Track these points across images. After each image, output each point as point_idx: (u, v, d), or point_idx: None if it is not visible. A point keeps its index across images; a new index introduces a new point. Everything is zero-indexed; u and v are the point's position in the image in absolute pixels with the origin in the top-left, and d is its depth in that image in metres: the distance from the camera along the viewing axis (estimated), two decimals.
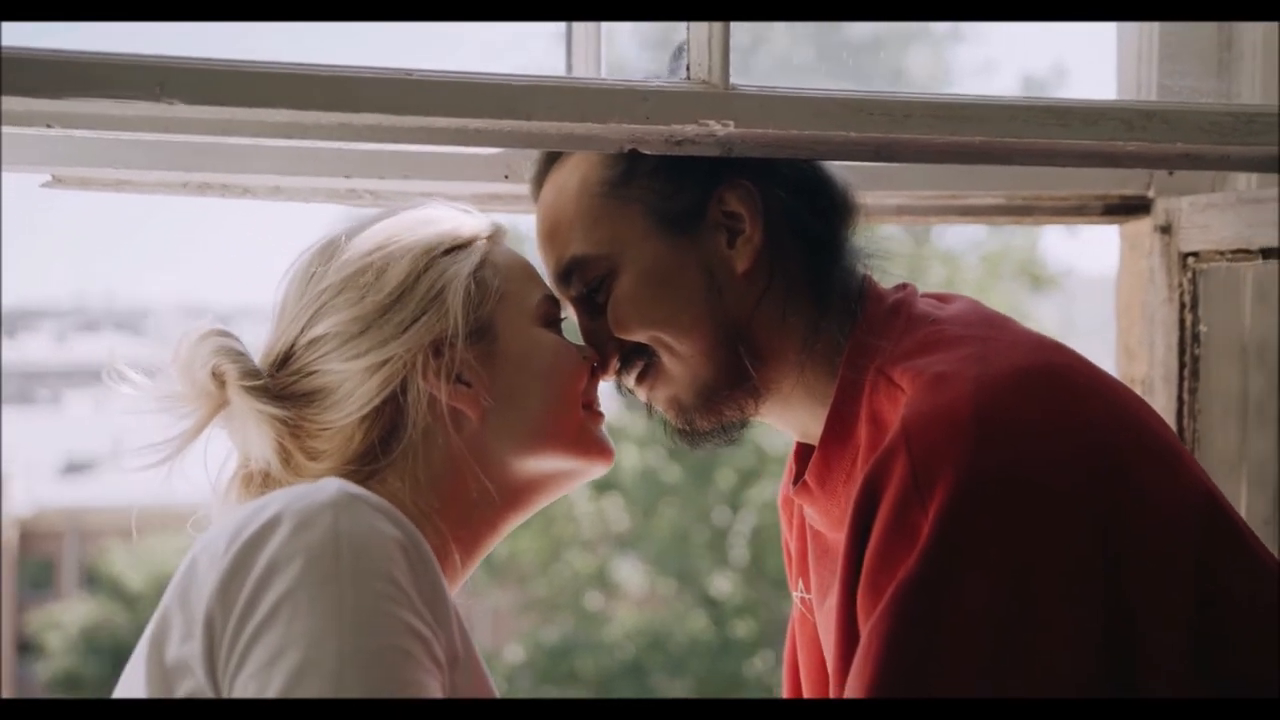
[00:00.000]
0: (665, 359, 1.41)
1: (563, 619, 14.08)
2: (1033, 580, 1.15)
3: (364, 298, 1.30)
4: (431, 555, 1.15)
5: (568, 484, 1.41)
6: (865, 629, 1.20)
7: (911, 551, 1.17)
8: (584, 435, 1.39)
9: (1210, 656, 1.18)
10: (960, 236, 13.74)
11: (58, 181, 1.55)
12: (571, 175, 1.42)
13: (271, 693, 1.04)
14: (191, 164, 1.54)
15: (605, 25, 1.67)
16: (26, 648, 18.47)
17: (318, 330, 1.31)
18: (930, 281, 12.94)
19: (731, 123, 1.32)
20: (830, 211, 1.43)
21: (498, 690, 1.23)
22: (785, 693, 1.65)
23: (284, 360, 1.33)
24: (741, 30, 1.46)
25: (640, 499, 13.20)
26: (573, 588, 13.94)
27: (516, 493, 1.35)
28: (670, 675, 12.62)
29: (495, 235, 1.40)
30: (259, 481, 1.34)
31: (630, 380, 1.44)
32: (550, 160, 1.46)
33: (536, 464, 1.36)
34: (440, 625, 1.12)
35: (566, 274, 1.42)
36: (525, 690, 13.65)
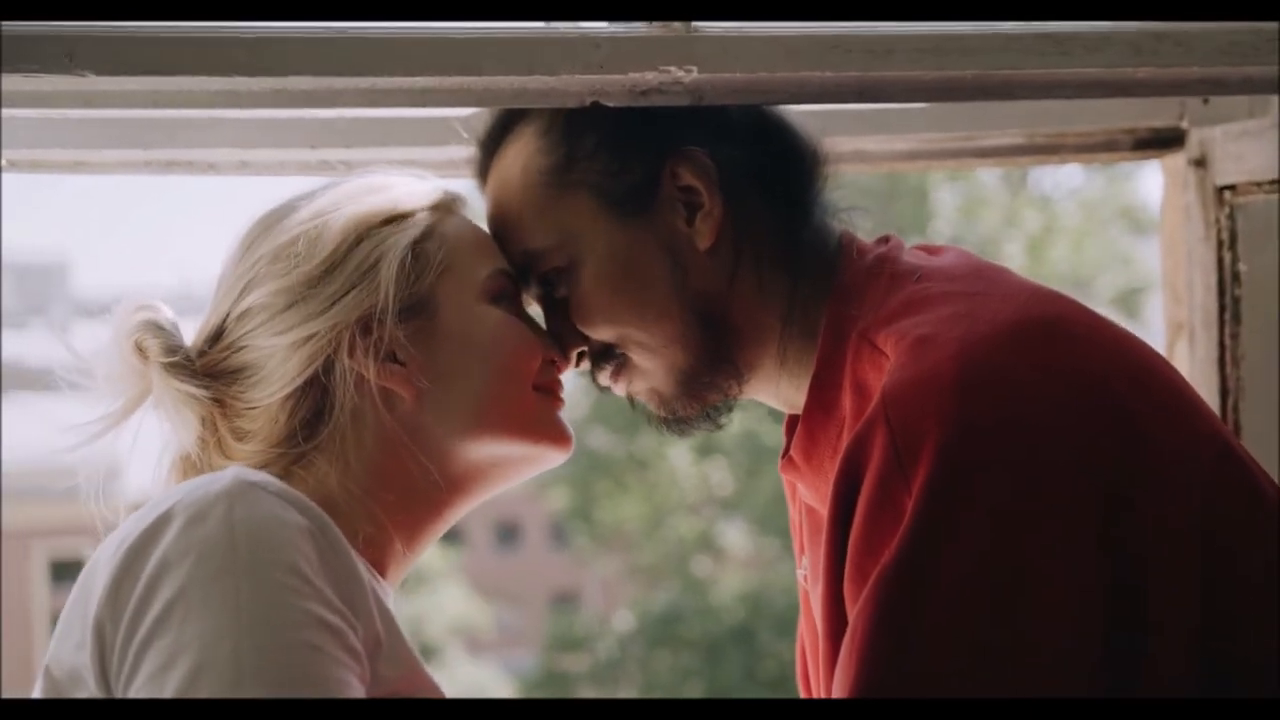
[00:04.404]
0: (636, 355, 1.32)
1: (669, 584, 14.08)
2: (1026, 542, 1.07)
3: (293, 269, 1.22)
4: (342, 540, 1.08)
5: (518, 471, 1.32)
6: (851, 617, 1.11)
7: (896, 531, 1.09)
8: (534, 419, 1.29)
9: (1219, 620, 1.08)
10: (1056, 184, 13.46)
11: (11, 165, 1.50)
12: (513, 165, 1.33)
13: None
14: (154, 141, 1.49)
15: None
16: None
17: (247, 303, 1.24)
18: (1027, 230, 12.69)
19: (694, 68, 1.23)
20: (795, 166, 1.33)
21: (434, 675, 1.15)
22: (798, 669, 1.58)
23: (216, 335, 1.26)
24: None
25: (742, 461, 13.16)
26: (678, 553, 13.94)
27: (460, 478, 1.27)
28: (778, 636, 12.60)
29: (447, 205, 1.32)
30: (195, 466, 1.27)
31: (604, 378, 1.36)
32: (490, 151, 1.37)
33: (480, 449, 1.27)
34: (357, 613, 1.05)
35: (523, 270, 1.34)
36: (638, 657, 13.68)
